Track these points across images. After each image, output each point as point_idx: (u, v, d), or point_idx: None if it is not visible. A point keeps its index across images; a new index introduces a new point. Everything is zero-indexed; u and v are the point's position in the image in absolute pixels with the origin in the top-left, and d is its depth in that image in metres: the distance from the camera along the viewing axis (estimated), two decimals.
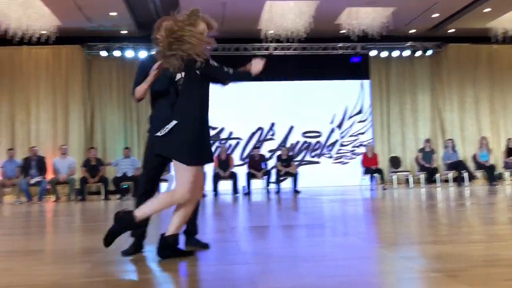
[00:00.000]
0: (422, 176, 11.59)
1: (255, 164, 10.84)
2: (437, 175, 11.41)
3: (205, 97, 3.09)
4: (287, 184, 11.52)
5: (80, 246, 3.80)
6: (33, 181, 9.97)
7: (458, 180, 11.27)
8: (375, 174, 11.31)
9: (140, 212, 2.98)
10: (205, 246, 3.38)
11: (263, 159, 11.06)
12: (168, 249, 3.04)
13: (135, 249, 3.24)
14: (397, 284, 2.42)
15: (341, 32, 11.90)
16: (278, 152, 12.64)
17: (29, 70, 12.15)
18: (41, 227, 5.38)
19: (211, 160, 3.10)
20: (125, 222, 2.97)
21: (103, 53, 12.02)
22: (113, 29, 11.87)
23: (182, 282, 2.56)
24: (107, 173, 10.88)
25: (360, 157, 12.15)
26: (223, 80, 3.16)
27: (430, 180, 11.35)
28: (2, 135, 11.99)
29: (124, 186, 10.50)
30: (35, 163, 10.21)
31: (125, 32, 12.11)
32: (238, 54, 12.66)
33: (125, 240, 3.21)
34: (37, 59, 12.21)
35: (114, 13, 10.86)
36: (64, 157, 10.49)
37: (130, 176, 10.42)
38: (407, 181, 11.96)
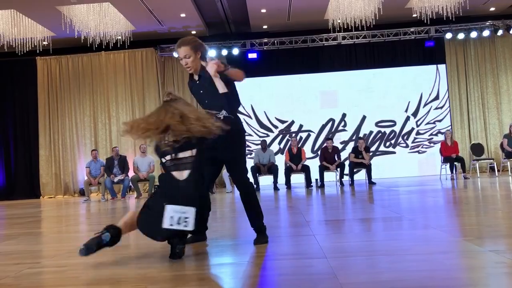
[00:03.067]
0: (509, 163, 10.86)
1: (328, 156, 10.70)
2: None
3: None
4: (360, 176, 11.28)
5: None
6: (116, 179, 10.55)
7: None
8: (455, 163, 10.75)
9: None
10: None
11: (336, 150, 10.89)
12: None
13: (193, 240, 3.50)
14: (488, 279, 2.28)
15: (413, 16, 11.43)
16: (351, 144, 12.43)
17: (108, 74, 12.86)
18: None
19: None
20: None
21: (175, 54, 12.41)
22: (183, 30, 12.25)
23: (261, 276, 2.58)
24: None
25: (438, 146, 11.62)
26: None
27: None
28: (87, 137, 12.81)
29: None
30: (117, 162, 10.79)
31: (195, 32, 12.43)
32: (306, 46, 12.57)
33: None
34: (114, 63, 12.89)
35: (184, 15, 11.18)
36: (143, 156, 10.99)
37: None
38: (491, 169, 11.26)
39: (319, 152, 11.53)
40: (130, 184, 10.77)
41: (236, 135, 3.42)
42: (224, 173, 10.23)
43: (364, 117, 12.81)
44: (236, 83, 3.54)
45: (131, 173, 10.94)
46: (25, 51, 11.26)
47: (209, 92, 3.40)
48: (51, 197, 12.56)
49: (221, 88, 3.31)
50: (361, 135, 12.45)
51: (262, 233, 3.45)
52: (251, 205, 3.44)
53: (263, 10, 11.22)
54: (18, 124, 13.02)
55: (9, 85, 13.04)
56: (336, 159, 10.69)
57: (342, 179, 10.59)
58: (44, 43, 11.52)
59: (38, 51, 11.57)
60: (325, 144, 11.10)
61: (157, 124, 2.93)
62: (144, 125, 2.95)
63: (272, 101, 12.77)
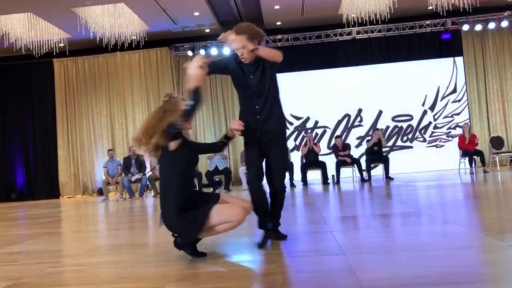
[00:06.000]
0: None
1: (339, 152, 10.65)
2: None
3: None
4: (378, 171, 11.19)
5: None
6: (133, 178, 10.65)
7: None
8: (474, 157, 10.59)
9: None
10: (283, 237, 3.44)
11: (346, 146, 10.79)
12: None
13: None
14: (509, 274, 2.24)
15: (428, 8, 11.27)
16: (368, 138, 12.35)
17: (124, 74, 12.97)
18: (143, 221, 5.73)
19: None
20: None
21: (189, 53, 12.48)
22: (197, 28, 12.28)
23: (280, 273, 2.58)
24: (200, 168, 11.33)
25: (456, 140, 11.46)
26: None
27: None
28: (104, 137, 12.95)
29: (217, 179, 10.93)
30: (134, 162, 10.89)
31: (208, 30, 12.46)
32: (320, 41, 12.49)
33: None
34: (130, 63, 12.99)
35: (197, 13, 11.21)
36: None
37: (221, 169, 10.78)
38: (511, 162, 11.06)
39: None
40: (148, 183, 10.86)
41: (283, 131, 3.64)
42: (241, 170, 10.24)
43: (380, 112, 12.69)
44: None
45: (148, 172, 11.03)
46: (42, 53, 11.42)
47: (260, 80, 3.38)
48: (70, 197, 12.74)
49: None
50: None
51: (277, 229, 3.49)
52: (278, 206, 3.53)
53: (277, 7, 11.18)
54: (37, 125, 13.22)
55: (27, 87, 13.24)
56: (348, 149, 10.61)
57: (359, 175, 10.51)
58: (61, 45, 11.67)
59: (54, 53, 11.74)
60: (334, 143, 11.04)
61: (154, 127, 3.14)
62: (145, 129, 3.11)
63: (287, 97, 12.68)
